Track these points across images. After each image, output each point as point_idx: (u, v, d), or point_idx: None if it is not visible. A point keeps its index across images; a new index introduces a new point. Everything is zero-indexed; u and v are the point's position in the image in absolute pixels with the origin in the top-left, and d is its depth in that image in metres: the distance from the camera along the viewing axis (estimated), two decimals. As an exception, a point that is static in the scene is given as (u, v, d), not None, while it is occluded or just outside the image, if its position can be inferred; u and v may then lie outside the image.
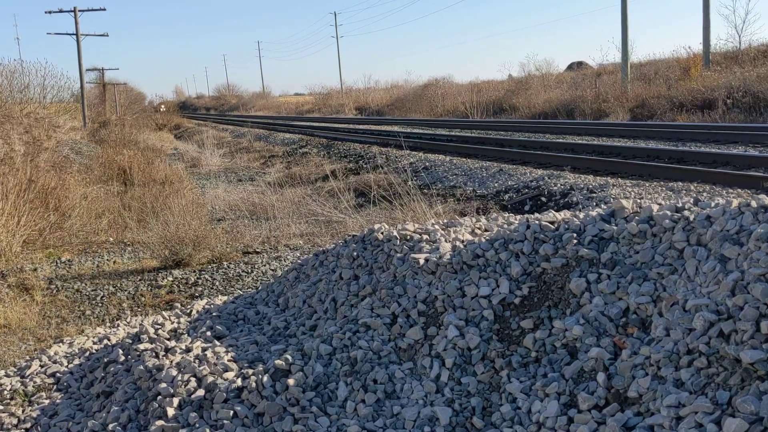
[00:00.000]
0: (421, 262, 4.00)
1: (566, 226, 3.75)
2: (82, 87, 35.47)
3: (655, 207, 3.51)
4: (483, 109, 32.30)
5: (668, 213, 3.41)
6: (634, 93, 24.87)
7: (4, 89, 19.42)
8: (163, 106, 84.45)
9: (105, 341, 4.88)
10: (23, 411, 4.07)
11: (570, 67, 45.68)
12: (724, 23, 35.19)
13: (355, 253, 4.51)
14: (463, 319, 3.54)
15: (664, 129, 16.70)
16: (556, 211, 6.17)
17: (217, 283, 6.85)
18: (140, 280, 7.17)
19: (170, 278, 7.12)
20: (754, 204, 3.14)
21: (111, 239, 9.29)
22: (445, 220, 4.88)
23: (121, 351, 4.33)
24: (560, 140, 16.42)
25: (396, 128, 26.31)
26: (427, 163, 14.03)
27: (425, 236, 4.34)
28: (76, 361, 4.62)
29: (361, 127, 30.30)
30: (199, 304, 5.27)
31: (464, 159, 14.29)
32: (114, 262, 8.01)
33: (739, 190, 8.19)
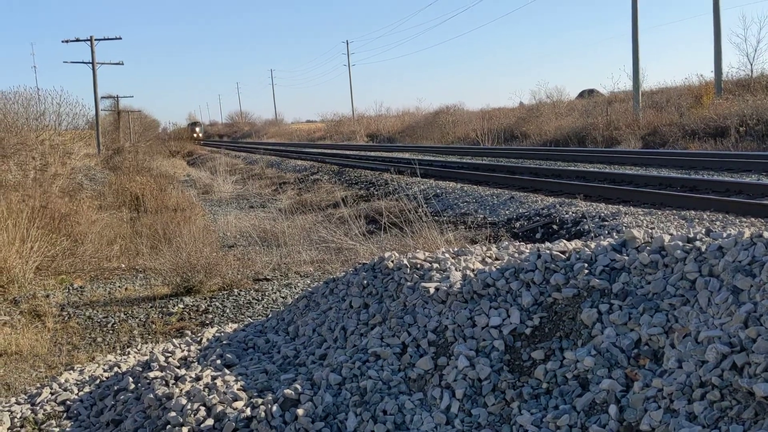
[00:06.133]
0: (431, 291, 3.99)
1: (577, 256, 3.74)
2: (96, 114, 35.90)
3: (667, 237, 3.50)
4: (494, 136, 32.41)
5: (680, 243, 3.39)
6: (646, 120, 24.89)
7: (20, 116, 19.68)
8: (198, 128, 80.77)
9: (115, 369, 4.88)
10: (32, 439, 4.06)
11: (581, 94, 45.81)
12: (736, 51, 35.40)
13: (365, 282, 4.50)
14: (473, 350, 3.52)
15: (677, 157, 16.68)
16: (568, 239, 6.15)
17: (228, 311, 6.85)
18: (151, 307, 7.18)
19: (181, 305, 7.13)
20: (766, 235, 3.12)
21: (123, 266, 9.33)
22: (456, 248, 4.87)
23: (131, 379, 4.33)
24: (572, 168, 16.42)
25: (407, 155, 26.41)
26: (438, 190, 14.05)
27: (435, 265, 4.34)
28: (87, 389, 4.62)
29: (372, 154, 30.44)
30: (210, 332, 5.27)
31: (475, 186, 14.30)
32: (126, 288, 8.04)
33: (753, 219, 8.15)
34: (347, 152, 33.86)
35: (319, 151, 37.25)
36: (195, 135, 73.56)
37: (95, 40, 36.01)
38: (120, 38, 36.66)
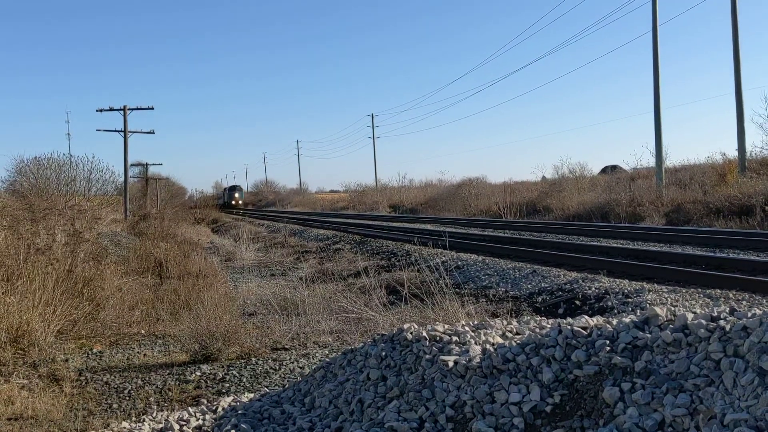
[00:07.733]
0: (450, 364, 3.94)
1: (599, 333, 3.69)
2: (126, 181, 36.53)
3: (690, 315, 3.45)
4: (516, 209, 32.47)
5: (703, 322, 3.34)
6: (670, 198, 24.83)
7: (51, 182, 20.19)
8: (238, 194, 77.82)
9: (129, 436, 4.83)
10: (42, 507, 4.00)
11: (604, 170, 45.92)
12: (759, 131, 35.57)
13: (383, 353, 4.46)
14: (492, 427, 3.45)
15: (701, 234, 16.53)
16: (591, 315, 6.07)
17: (245, 380, 6.79)
18: (169, 374, 7.14)
19: (198, 373, 7.09)
20: (792, 315, 3.07)
21: (143, 331, 9.35)
22: (476, 322, 4.83)
23: (144, 447, 4.28)
24: (595, 243, 16.33)
25: (429, 227, 26.48)
26: (459, 262, 14.00)
27: (455, 338, 4.29)
28: (99, 456, 4.57)
29: (394, 224, 30.57)
30: (225, 401, 5.22)
31: (497, 259, 14.24)
32: (144, 354, 8.03)
33: (780, 298, 8.00)
34: (370, 222, 34.01)
35: (342, 220, 37.46)
36: (234, 202, 71.94)
37: (128, 109, 36.73)
38: (152, 108, 37.19)
